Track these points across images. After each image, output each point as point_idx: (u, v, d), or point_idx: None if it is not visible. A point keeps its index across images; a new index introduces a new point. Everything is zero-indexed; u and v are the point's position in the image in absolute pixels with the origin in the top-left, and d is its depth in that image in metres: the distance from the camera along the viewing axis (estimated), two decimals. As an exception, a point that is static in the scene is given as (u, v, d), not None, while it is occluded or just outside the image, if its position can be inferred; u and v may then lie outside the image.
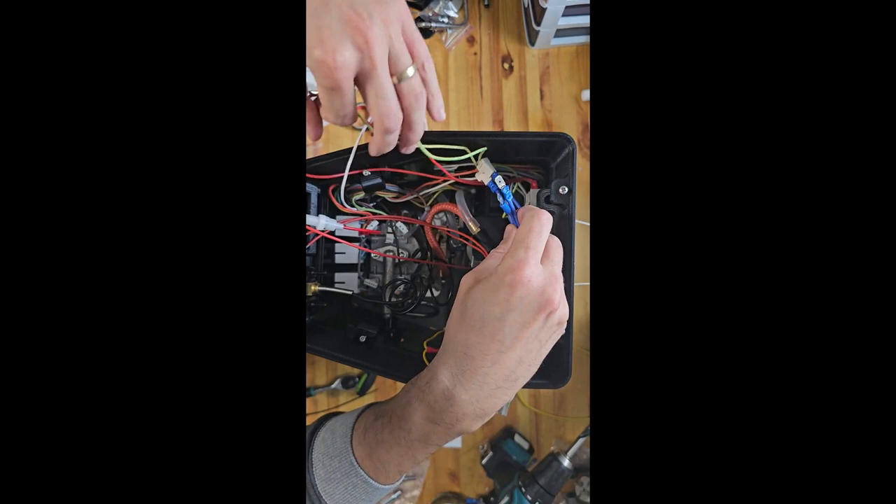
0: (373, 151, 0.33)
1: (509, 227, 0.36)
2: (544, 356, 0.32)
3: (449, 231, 0.46)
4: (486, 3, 0.68)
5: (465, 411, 0.30)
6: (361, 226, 0.49)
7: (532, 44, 0.66)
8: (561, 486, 0.58)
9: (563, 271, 0.38)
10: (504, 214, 0.38)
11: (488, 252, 0.44)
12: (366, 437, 0.32)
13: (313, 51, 0.26)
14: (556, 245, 0.32)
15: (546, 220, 0.32)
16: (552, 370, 0.38)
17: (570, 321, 0.37)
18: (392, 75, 0.29)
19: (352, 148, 0.39)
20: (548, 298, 0.29)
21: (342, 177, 0.40)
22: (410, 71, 0.29)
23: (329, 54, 0.26)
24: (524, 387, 0.37)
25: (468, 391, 0.30)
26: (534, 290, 0.29)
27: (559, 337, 0.32)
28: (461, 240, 0.46)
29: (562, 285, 0.31)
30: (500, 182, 0.37)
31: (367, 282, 0.50)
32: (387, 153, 0.35)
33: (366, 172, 0.43)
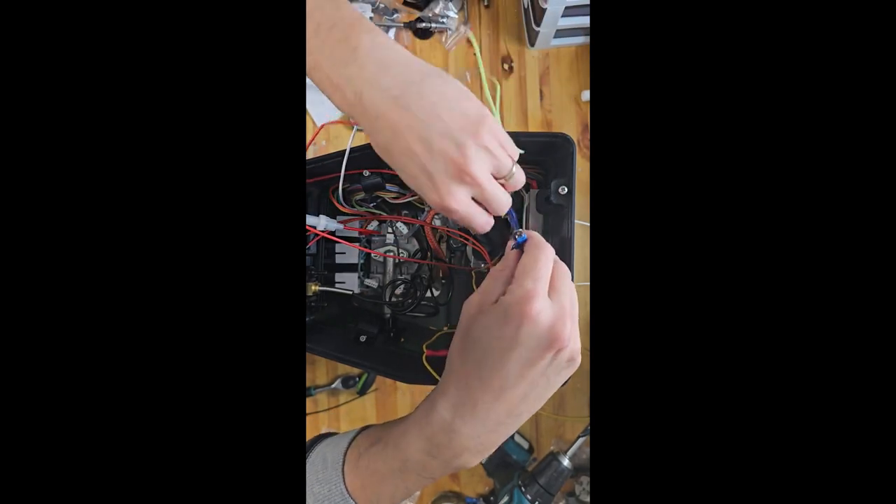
0: (485, 229, 0.34)
1: (509, 246, 0.34)
2: (553, 391, 0.30)
3: (449, 231, 0.47)
4: (485, 3, 0.68)
5: (465, 446, 0.28)
6: (362, 226, 0.49)
7: (532, 44, 0.66)
8: (561, 486, 0.58)
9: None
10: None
11: (488, 252, 0.45)
12: (359, 464, 0.31)
13: (430, 195, 0.30)
14: (563, 274, 0.30)
15: (550, 250, 0.31)
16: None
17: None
18: (498, 179, 0.32)
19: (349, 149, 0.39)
20: (556, 336, 0.27)
21: (340, 177, 0.40)
22: (514, 170, 0.32)
23: (445, 199, 0.29)
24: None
25: (468, 425, 0.28)
26: (542, 326, 0.27)
27: (571, 373, 0.30)
28: (461, 240, 0.46)
29: (573, 320, 0.29)
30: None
31: (368, 282, 0.50)
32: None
33: (365, 173, 0.43)
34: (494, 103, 0.36)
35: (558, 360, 0.28)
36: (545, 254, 0.30)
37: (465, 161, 0.29)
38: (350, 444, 0.32)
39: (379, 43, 0.28)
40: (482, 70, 0.36)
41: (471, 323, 0.30)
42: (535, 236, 0.32)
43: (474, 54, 0.67)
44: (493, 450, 0.30)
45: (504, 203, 0.33)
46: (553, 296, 0.29)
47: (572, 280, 0.38)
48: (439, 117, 0.28)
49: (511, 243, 0.33)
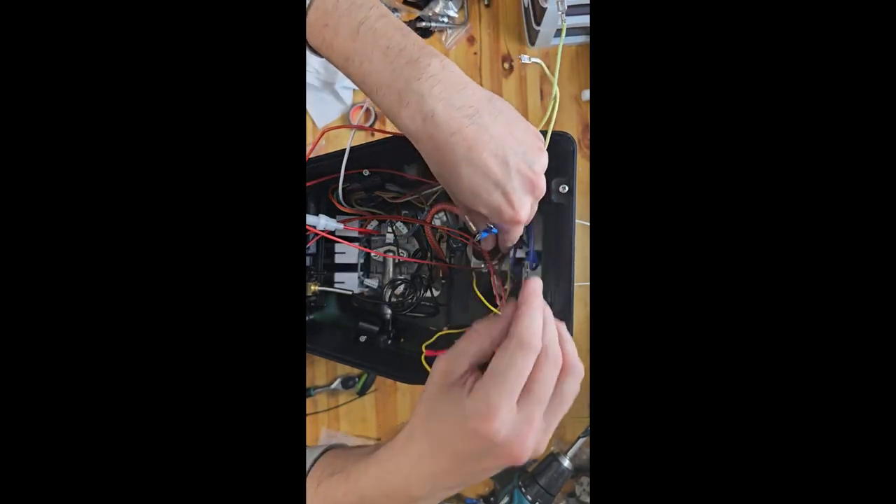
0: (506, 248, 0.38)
1: (477, 237, 0.35)
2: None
3: (449, 231, 0.46)
4: (486, 2, 0.68)
5: (417, 496, 0.29)
6: (361, 225, 0.49)
7: (532, 44, 0.66)
8: (561, 487, 0.58)
9: (563, 272, 0.38)
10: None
11: (489, 252, 0.44)
12: (318, 490, 0.31)
13: (505, 210, 0.31)
14: (544, 374, 0.27)
15: (531, 353, 0.27)
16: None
17: (569, 321, 0.36)
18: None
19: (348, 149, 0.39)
20: (513, 454, 0.27)
21: (340, 176, 0.40)
22: None
23: (520, 211, 0.31)
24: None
25: (421, 484, 0.29)
26: (500, 444, 0.26)
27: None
28: (461, 240, 0.46)
29: (540, 429, 0.27)
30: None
31: (367, 282, 0.50)
32: (388, 154, 0.35)
33: (365, 172, 0.43)
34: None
35: (504, 464, 0.28)
36: (524, 359, 0.27)
37: (537, 177, 0.31)
38: (313, 464, 0.33)
39: (447, 65, 0.30)
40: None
41: (437, 394, 0.29)
42: (525, 326, 0.28)
43: (475, 53, 0.67)
44: (444, 498, 0.31)
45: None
46: (523, 403, 0.27)
47: (572, 280, 0.38)
48: (512, 135, 0.30)
49: (480, 234, 0.35)
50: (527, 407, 0.27)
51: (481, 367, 0.29)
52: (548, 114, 0.35)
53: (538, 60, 0.36)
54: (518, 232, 0.34)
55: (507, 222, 0.32)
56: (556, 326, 0.30)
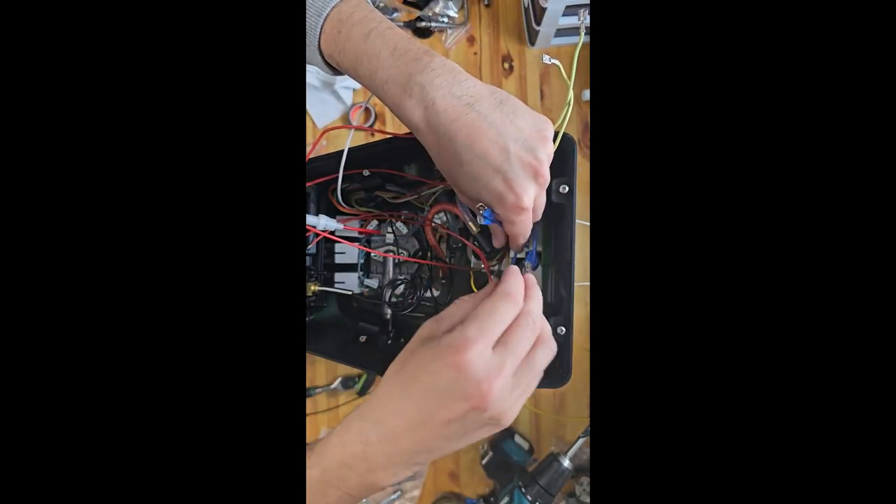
0: (519, 247, 0.38)
1: (478, 220, 0.35)
2: (473, 440, 0.29)
3: (449, 232, 0.46)
4: (486, 2, 0.68)
5: (378, 463, 0.28)
6: (361, 225, 0.49)
7: (532, 43, 0.66)
8: (561, 486, 0.58)
9: (563, 272, 0.38)
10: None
11: (487, 252, 0.44)
12: None
13: (507, 196, 0.31)
14: (522, 331, 0.29)
15: (515, 304, 0.30)
16: (552, 370, 0.38)
17: (569, 321, 0.36)
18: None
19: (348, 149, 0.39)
20: (481, 393, 0.26)
21: (339, 176, 0.40)
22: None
23: (522, 197, 0.31)
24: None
25: (382, 446, 0.28)
26: (469, 378, 0.26)
27: (493, 432, 0.29)
28: (461, 239, 0.46)
29: (511, 382, 0.28)
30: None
31: (367, 282, 0.50)
32: (388, 154, 0.35)
33: (365, 172, 0.43)
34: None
35: (477, 417, 0.27)
36: (506, 306, 0.29)
37: (539, 164, 0.31)
38: None
39: (449, 63, 0.31)
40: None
41: (416, 346, 0.30)
42: (510, 282, 0.30)
43: (475, 53, 0.67)
44: (408, 474, 0.29)
45: (542, 208, 0.35)
46: (498, 350, 0.28)
47: (572, 280, 0.38)
48: (514, 123, 0.30)
49: (479, 217, 0.34)
50: (501, 354, 0.27)
51: None
52: (562, 117, 0.35)
53: (557, 62, 0.36)
54: (525, 222, 0.33)
55: (511, 210, 0.32)
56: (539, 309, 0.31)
